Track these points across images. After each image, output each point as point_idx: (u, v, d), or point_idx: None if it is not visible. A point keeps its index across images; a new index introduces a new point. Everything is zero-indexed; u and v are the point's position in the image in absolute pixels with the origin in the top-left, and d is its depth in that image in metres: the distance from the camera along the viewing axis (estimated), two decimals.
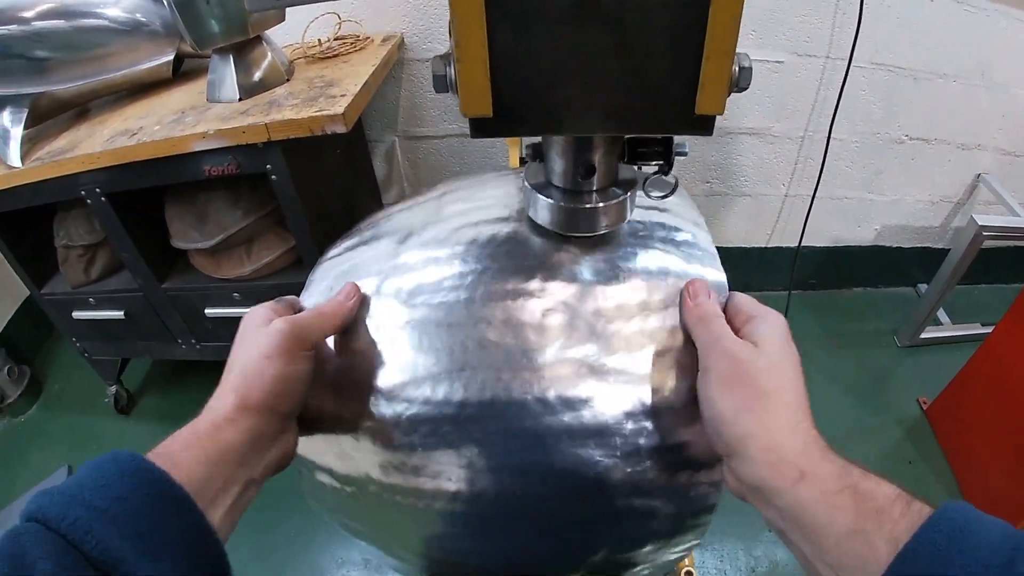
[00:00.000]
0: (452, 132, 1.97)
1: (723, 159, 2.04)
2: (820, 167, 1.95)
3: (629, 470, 0.49)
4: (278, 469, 0.50)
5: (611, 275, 0.53)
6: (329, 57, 1.55)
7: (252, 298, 1.62)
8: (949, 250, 2.00)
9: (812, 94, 1.89)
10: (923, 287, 2.40)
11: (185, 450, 0.42)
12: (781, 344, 0.45)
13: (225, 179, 1.36)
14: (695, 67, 0.39)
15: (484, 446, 0.50)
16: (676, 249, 0.56)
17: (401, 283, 0.55)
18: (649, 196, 0.54)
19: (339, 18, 1.66)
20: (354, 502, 0.58)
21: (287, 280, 1.60)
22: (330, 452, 0.56)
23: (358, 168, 1.93)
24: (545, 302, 0.51)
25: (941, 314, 2.28)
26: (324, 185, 1.58)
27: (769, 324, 0.46)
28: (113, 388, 2.04)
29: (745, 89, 0.41)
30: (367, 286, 0.57)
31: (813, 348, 2.22)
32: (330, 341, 0.55)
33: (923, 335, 2.20)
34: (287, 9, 1.46)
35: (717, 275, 0.54)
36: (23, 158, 1.38)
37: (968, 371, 1.81)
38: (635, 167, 0.53)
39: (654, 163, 0.52)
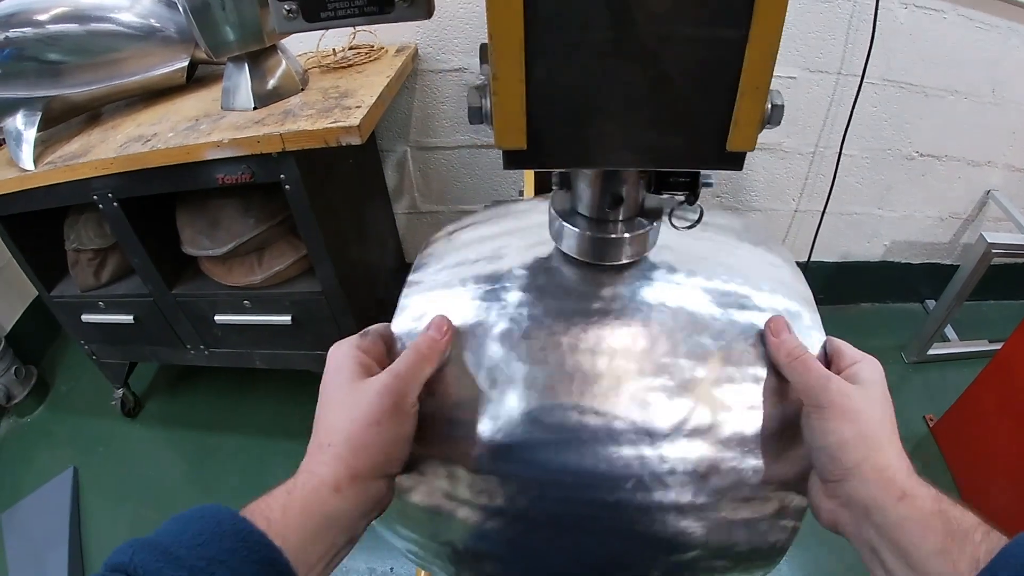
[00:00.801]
0: (463, 143, 1.98)
1: (734, 174, 2.03)
2: (831, 183, 1.96)
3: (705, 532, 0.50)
4: (375, 519, 0.49)
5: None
6: (344, 67, 1.55)
7: (263, 306, 1.63)
8: (958, 266, 1.99)
9: (824, 110, 1.89)
10: (931, 303, 2.40)
11: (284, 515, 0.40)
12: (882, 386, 0.48)
13: (237, 187, 1.37)
14: (729, 104, 0.39)
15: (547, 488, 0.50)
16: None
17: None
18: (675, 227, 0.54)
19: (354, 28, 1.66)
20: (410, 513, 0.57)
21: (298, 288, 1.60)
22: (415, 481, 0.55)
23: (370, 178, 1.93)
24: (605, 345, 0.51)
25: (948, 330, 2.27)
26: (336, 195, 1.58)
27: (871, 368, 0.49)
28: (120, 391, 2.04)
29: (776, 126, 0.42)
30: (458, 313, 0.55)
31: None
32: None
33: (930, 351, 2.19)
34: None
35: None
36: (36, 161, 1.39)
37: (975, 388, 1.81)
38: (660, 196, 0.53)
39: (680, 193, 0.52)
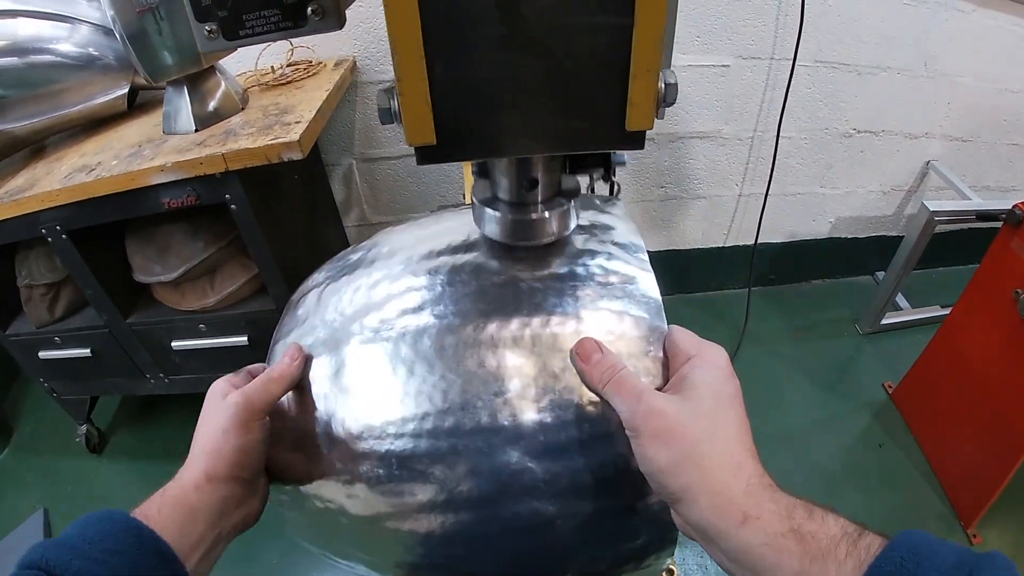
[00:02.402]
0: (408, 152, 1.96)
1: (676, 163, 2.08)
2: (771, 165, 2.01)
3: (580, 504, 0.51)
4: (245, 527, 0.54)
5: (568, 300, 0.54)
6: (283, 84, 1.56)
7: (218, 329, 1.62)
8: (903, 237, 2.05)
9: (759, 95, 1.94)
10: (881, 275, 2.46)
11: (159, 512, 0.46)
12: (717, 385, 0.45)
13: (185, 211, 1.36)
14: (623, 87, 0.41)
15: (449, 476, 0.51)
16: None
17: (361, 324, 0.57)
18: (596, 203, 0.56)
19: (291, 44, 1.67)
20: (334, 532, 0.59)
21: (252, 308, 1.60)
22: (306, 494, 0.57)
23: (317, 192, 1.93)
24: (503, 332, 0.53)
25: (901, 299, 2.34)
26: (284, 212, 1.58)
27: (704, 365, 0.46)
28: (84, 427, 2.01)
29: (672, 104, 0.44)
30: (320, 335, 0.59)
31: (776, 342, 2.26)
32: (286, 399, 0.58)
33: (884, 321, 2.25)
34: None
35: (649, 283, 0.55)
36: None
37: (929, 352, 1.86)
38: (577, 177, 0.55)
39: (595, 172, 0.54)
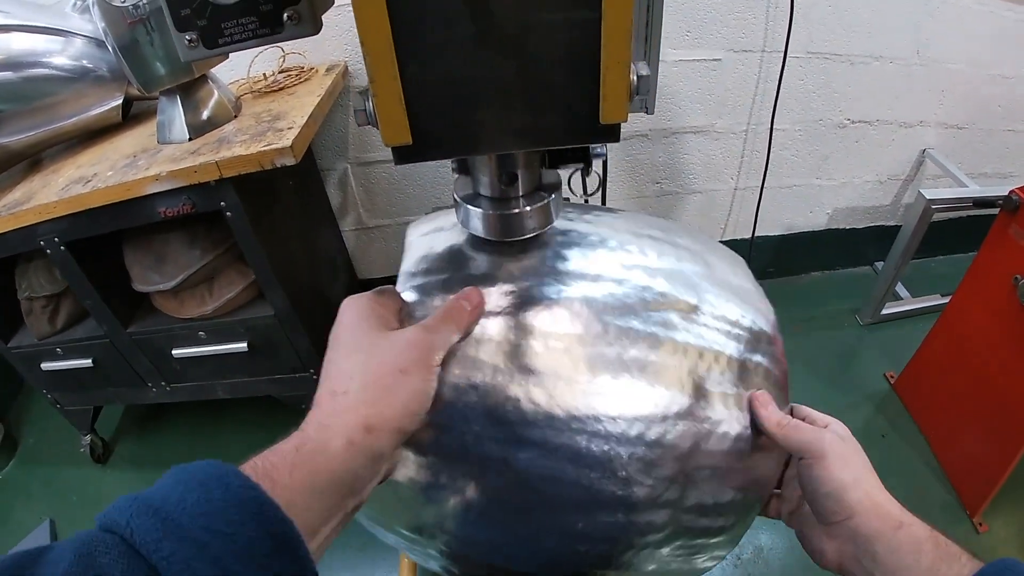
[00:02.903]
0: None
1: (671, 159, 2.08)
2: (766, 158, 2.01)
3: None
4: (381, 483, 0.46)
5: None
6: (275, 90, 1.57)
7: (218, 336, 1.63)
8: (901, 226, 2.05)
9: (752, 88, 1.94)
10: (880, 265, 2.45)
11: (291, 476, 0.37)
12: (855, 440, 0.55)
13: (181, 219, 1.37)
14: (595, 81, 0.41)
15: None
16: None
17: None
18: (573, 192, 0.57)
19: (283, 51, 1.68)
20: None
21: (251, 314, 1.60)
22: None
23: (313, 198, 1.94)
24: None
25: (901, 289, 2.33)
26: (280, 218, 1.59)
27: (842, 426, 0.56)
28: (88, 437, 2.02)
29: (646, 95, 0.44)
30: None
31: None
32: None
33: (884, 311, 2.25)
34: None
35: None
36: None
37: (930, 341, 1.86)
38: (558, 170, 0.56)
39: (575, 166, 0.55)
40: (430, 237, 0.60)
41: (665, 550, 0.56)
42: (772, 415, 0.55)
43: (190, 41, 0.48)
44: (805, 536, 0.57)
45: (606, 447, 0.50)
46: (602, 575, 0.57)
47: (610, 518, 0.52)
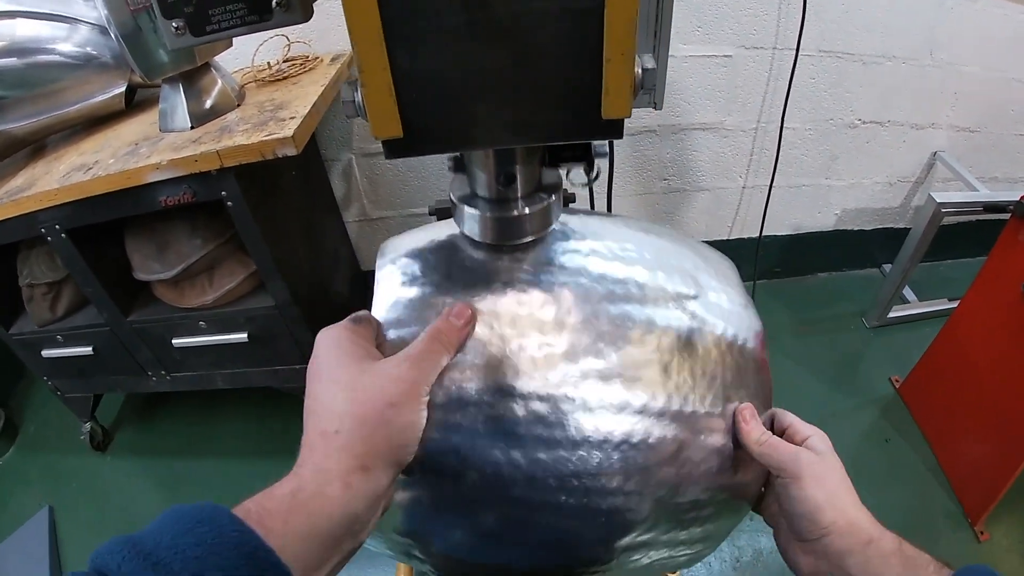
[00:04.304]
0: None
1: (679, 155, 2.06)
2: (775, 157, 1.99)
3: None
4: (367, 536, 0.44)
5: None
6: (279, 80, 1.55)
7: (218, 326, 1.62)
8: (910, 229, 2.03)
9: (762, 85, 1.92)
10: (887, 267, 2.43)
11: (285, 523, 0.36)
12: (834, 453, 0.55)
13: (183, 208, 1.36)
14: (596, 73, 0.39)
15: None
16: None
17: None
18: (572, 183, 0.55)
19: (288, 40, 1.66)
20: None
21: (251, 305, 1.60)
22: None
23: (316, 188, 1.93)
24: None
25: (908, 292, 2.31)
26: (281, 208, 1.57)
27: (823, 439, 0.56)
28: (88, 425, 2.02)
29: (651, 90, 0.42)
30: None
31: (782, 335, 2.25)
32: None
33: (891, 314, 2.23)
34: None
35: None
36: None
37: (936, 346, 1.84)
38: (558, 170, 0.54)
39: (576, 165, 0.53)
40: (403, 258, 0.58)
41: (647, 549, 0.56)
42: (753, 431, 0.55)
43: (177, 28, 0.47)
44: (782, 546, 0.57)
45: (589, 451, 0.49)
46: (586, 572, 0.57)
47: (594, 521, 0.51)
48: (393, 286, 0.55)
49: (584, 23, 0.37)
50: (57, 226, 1.42)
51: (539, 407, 0.49)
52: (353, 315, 0.51)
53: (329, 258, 1.96)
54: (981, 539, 1.61)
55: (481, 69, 0.39)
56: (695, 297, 0.57)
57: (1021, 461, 1.49)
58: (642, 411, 0.51)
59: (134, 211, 1.38)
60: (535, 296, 0.52)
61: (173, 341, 1.64)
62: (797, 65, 1.81)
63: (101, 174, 1.28)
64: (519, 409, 0.49)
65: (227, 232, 1.53)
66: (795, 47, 1.77)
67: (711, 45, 1.80)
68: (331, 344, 0.46)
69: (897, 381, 2.03)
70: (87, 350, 1.71)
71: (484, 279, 0.53)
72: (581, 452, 0.49)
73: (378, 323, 0.52)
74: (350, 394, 0.43)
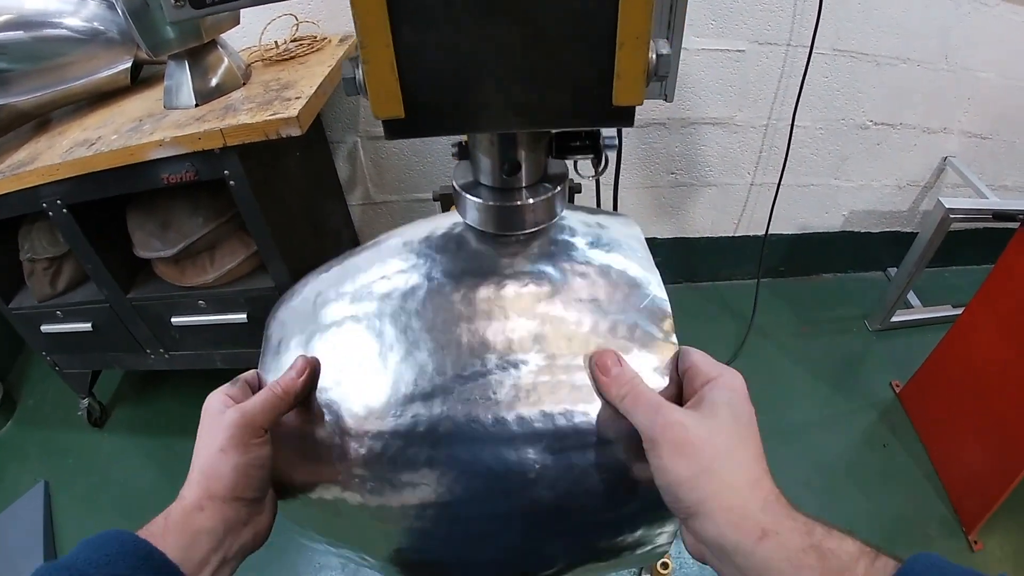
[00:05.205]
0: None
1: (687, 150, 2.04)
2: (785, 155, 1.97)
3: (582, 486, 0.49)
4: (255, 547, 0.52)
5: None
6: (286, 59, 1.54)
7: (218, 305, 1.61)
8: (917, 234, 2.01)
9: (774, 82, 1.90)
10: (893, 271, 2.42)
11: (163, 536, 0.44)
12: (735, 405, 0.45)
13: (185, 186, 1.35)
14: (609, 57, 0.38)
15: (449, 464, 0.49)
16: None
17: (347, 313, 0.55)
18: (580, 174, 0.54)
19: (296, 19, 1.65)
20: (331, 523, 0.57)
21: (251, 286, 1.59)
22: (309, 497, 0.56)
23: (320, 170, 1.92)
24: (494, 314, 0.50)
25: (912, 297, 2.29)
26: (284, 189, 1.57)
27: (722, 387, 0.46)
28: (86, 401, 2.02)
29: (664, 78, 0.41)
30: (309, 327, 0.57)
31: (783, 335, 2.23)
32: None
33: (894, 319, 2.22)
34: (243, 12, 1.44)
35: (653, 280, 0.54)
36: None
37: (939, 353, 1.83)
38: (565, 161, 0.53)
39: (584, 157, 0.52)
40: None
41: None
42: (615, 380, 0.47)
43: (176, 1, 0.45)
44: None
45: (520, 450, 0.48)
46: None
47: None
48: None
49: (598, 4, 0.36)
50: (59, 201, 1.41)
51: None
52: (233, 379, 0.57)
53: (331, 241, 1.95)
54: (975, 548, 1.60)
55: (488, 48, 0.38)
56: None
57: (1019, 471, 1.48)
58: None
59: (136, 188, 1.37)
60: (542, 291, 0.51)
61: (172, 319, 1.64)
62: (811, 63, 1.79)
63: (104, 150, 1.28)
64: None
65: (229, 211, 1.52)
66: (809, 45, 1.76)
67: (724, 39, 1.78)
68: (206, 407, 0.52)
69: (898, 386, 2.02)
70: (86, 326, 1.71)
71: (487, 270, 0.52)
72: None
73: (257, 380, 0.59)
74: (201, 444, 0.50)
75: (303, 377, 0.53)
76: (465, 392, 0.48)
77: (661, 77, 0.40)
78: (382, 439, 0.50)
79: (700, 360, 0.48)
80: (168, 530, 0.45)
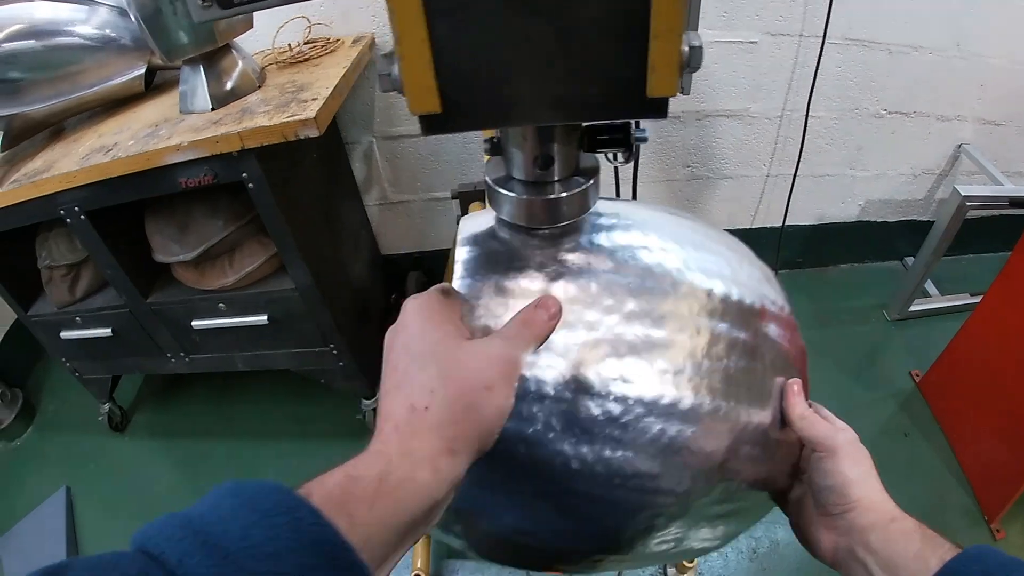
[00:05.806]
0: None
1: (703, 142, 2.04)
2: (800, 145, 1.97)
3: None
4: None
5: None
6: (300, 61, 1.54)
7: (238, 308, 1.62)
8: (934, 222, 2.00)
9: (788, 73, 1.90)
10: (910, 260, 2.41)
11: (371, 508, 0.34)
12: (863, 445, 0.56)
13: (203, 190, 1.36)
14: (642, 49, 0.38)
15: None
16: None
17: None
18: (610, 161, 0.54)
19: (309, 22, 1.65)
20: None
21: (272, 287, 1.59)
22: None
23: (336, 171, 1.92)
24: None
25: (929, 286, 2.29)
26: (302, 190, 1.57)
27: (853, 432, 0.56)
28: (106, 406, 2.03)
29: (696, 69, 0.41)
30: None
31: (802, 326, 2.18)
32: None
33: (912, 308, 2.20)
34: (255, 15, 1.44)
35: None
36: (0, 181, 1.37)
37: (958, 341, 1.82)
38: (596, 155, 0.53)
39: (615, 150, 0.51)
40: (480, 234, 0.55)
41: (679, 542, 0.57)
42: (798, 405, 0.57)
43: (203, 1, 0.45)
44: (801, 526, 0.58)
45: (654, 455, 0.49)
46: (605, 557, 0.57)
47: (642, 516, 0.52)
48: (473, 266, 0.52)
49: None
50: (76, 208, 1.42)
51: (613, 407, 0.47)
52: (440, 286, 0.47)
53: (350, 241, 1.96)
54: (997, 537, 1.59)
55: (523, 42, 0.38)
56: (726, 296, 0.55)
57: None
58: (709, 414, 0.50)
59: (154, 193, 1.38)
60: (580, 285, 0.50)
61: (193, 323, 1.65)
62: (823, 53, 1.78)
63: (121, 156, 1.28)
64: (595, 408, 0.47)
65: (248, 214, 1.52)
66: (822, 35, 1.75)
67: (737, 31, 1.78)
68: (422, 315, 0.43)
69: (917, 375, 2.01)
70: (106, 332, 1.72)
71: (521, 264, 0.52)
72: (646, 454, 0.48)
73: (464, 299, 0.49)
74: (444, 370, 0.40)
75: (553, 321, 0.46)
76: None
77: (694, 69, 0.40)
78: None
79: (829, 413, 0.59)
80: (381, 506, 0.34)
